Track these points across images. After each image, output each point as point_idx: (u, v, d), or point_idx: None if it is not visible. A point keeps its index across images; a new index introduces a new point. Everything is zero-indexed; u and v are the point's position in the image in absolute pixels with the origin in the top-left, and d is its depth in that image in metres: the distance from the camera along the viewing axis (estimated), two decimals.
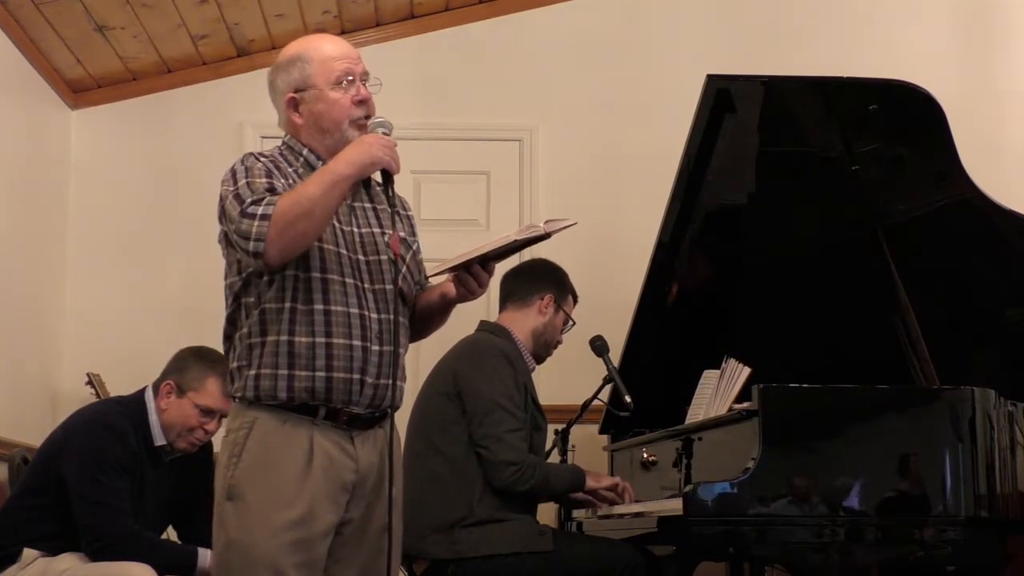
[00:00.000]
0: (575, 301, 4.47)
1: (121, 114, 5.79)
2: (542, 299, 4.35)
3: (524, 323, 4.34)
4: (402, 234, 3.11)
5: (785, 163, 4.48)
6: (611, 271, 4.89)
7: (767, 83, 4.32)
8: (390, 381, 2.99)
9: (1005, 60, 5.91)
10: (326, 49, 3.08)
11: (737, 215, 4.63)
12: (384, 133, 3.01)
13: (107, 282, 5.67)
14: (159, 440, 4.05)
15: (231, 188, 2.93)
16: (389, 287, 3.02)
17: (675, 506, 3.72)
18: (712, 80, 4.20)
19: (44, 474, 3.97)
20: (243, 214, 2.85)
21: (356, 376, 2.94)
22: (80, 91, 5.74)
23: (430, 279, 3.16)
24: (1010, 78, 5.87)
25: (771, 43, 5.78)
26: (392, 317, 3.01)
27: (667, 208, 4.45)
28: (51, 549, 3.88)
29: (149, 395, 4.09)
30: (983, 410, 3.73)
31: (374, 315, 2.98)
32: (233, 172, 2.98)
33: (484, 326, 4.37)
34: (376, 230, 3.07)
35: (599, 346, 4.46)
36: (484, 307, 5.28)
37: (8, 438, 4.79)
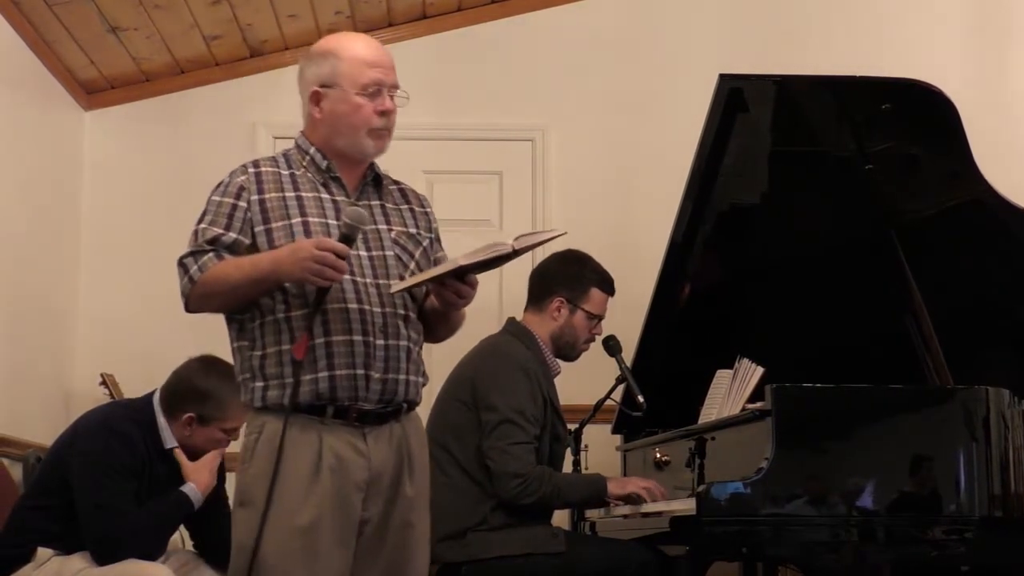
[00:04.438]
0: (607, 292, 4.37)
1: (134, 115, 5.80)
2: (552, 303, 4.33)
3: (542, 327, 4.31)
4: (412, 230, 3.12)
5: (798, 162, 4.47)
6: (624, 271, 4.87)
7: (780, 82, 4.31)
8: (401, 375, 2.97)
9: (1019, 59, 5.90)
10: (361, 52, 3.05)
11: (750, 215, 4.62)
12: (345, 236, 2.89)
13: (120, 283, 5.68)
14: (169, 443, 4.03)
15: (200, 214, 3.04)
16: (395, 282, 2.99)
17: (688, 506, 3.72)
18: (724, 79, 4.19)
19: (53, 475, 3.97)
20: (180, 262, 2.98)
21: (360, 371, 2.92)
22: (93, 92, 5.75)
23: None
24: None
25: (783, 42, 5.76)
26: (400, 312, 2.99)
27: (680, 208, 4.44)
28: (64, 548, 3.88)
29: (157, 398, 4.08)
30: (997, 409, 3.72)
31: (377, 309, 2.95)
32: (210, 197, 3.06)
33: (510, 327, 4.33)
34: (382, 227, 3.05)
35: (612, 346, 4.44)
36: (498, 310, 5.29)
37: (22, 438, 4.80)
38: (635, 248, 5.46)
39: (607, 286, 4.38)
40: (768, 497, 3.61)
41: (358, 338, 2.92)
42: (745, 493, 3.61)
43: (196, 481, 3.97)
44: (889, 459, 3.67)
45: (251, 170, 3.02)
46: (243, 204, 2.98)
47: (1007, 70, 5.88)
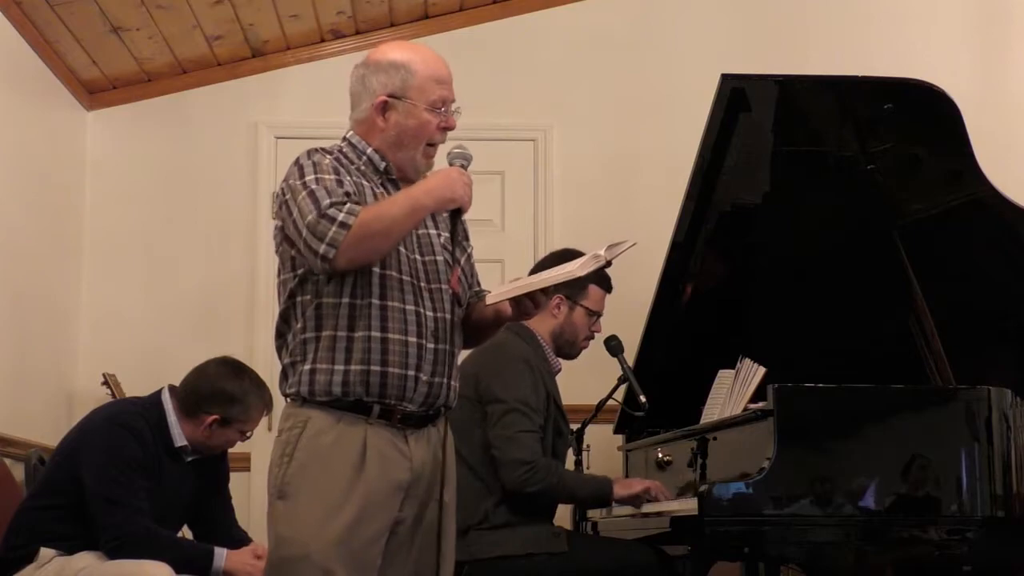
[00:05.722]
0: (605, 289, 4.38)
1: (136, 115, 5.80)
2: (551, 300, 4.31)
3: (543, 325, 4.31)
4: (458, 237, 3.11)
5: (800, 162, 4.47)
6: (625, 271, 4.86)
7: (782, 82, 4.31)
8: (445, 379, 3.00)
9: (1020, 59, 5.90)
10: (431, 68, 3.08)
11: (752, 214, 4.62)
12: (462, 165, 3.02)
13: (122, 282, 5.69)
14: (179, 441, 4.03)
15: (299, 182, 2.92)
16: (445, 287, 3.03)
17: (690, 506, 3.73)
18: (727, 79, 4.19)
19: (61, 474, 3.98)
20: (322, 215, 2.84)
21: (411, 372, 2.94)
22: (95, 92, 5.76)
23: (488, 305, 3.09)
24: None
25: (786, 42, 5.77)
26: (448, 317, 3.02)
27: (681, 208, 4.44)
28: (68, 549, 3.89)
29: (166, 396, 4.08)
30: (999, 410, 3.72)
31: (430, 313, 2.98)
32: (300, 167, 2.96)
33: (511, 325, 4.33)
34: (432, 231, 3.07)
35: (614, 346, 4.44)
36: None
37: (24, 438, 4.80)
38: (637, 248, 5.43)
39: (605, 283, 4.38)
40: (770, 497, 3.61)
41: (412, 339, 2.95)
42: (747, 493, 3.62)
43: (233, 567, 3.92)
44: (891, 459, 3.67)
45: (328, 156, 3.01)
46: (345, 179, 2.95)
47: (1008, 69, 5.89)
